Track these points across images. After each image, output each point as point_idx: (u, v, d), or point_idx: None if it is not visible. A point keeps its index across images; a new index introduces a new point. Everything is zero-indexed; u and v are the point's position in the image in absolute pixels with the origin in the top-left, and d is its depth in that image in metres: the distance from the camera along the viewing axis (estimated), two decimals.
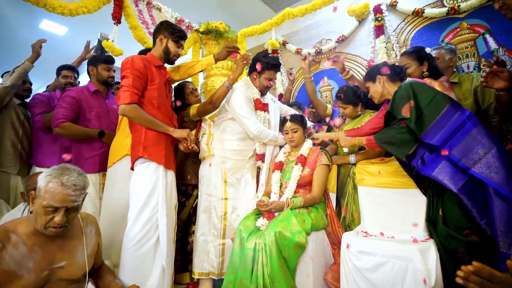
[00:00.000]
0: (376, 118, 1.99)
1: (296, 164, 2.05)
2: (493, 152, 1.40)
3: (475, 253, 1.42)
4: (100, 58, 2.39)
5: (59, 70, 2.70)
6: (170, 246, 1.80)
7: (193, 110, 2.30)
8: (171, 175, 1.93)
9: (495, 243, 1.33)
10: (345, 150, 2.04)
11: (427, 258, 1.43)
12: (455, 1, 2.67)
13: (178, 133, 1.87)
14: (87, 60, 2.46)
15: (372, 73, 1.88)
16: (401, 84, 1.70)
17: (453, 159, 1.46)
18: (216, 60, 2.22)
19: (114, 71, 2.43)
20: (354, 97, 2.20)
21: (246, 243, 1.67)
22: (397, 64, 1.98)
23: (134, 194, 1.78)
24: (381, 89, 1.84)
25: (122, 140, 2.11)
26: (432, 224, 1.61)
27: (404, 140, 1.59)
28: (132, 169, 1.87)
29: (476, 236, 1.43)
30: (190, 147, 1.89)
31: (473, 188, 1.42)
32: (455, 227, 1.46)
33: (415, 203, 1.73)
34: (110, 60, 2.38)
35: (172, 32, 1.97)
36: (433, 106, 1.53)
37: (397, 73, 1.84)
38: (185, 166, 2.42)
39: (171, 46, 1.98)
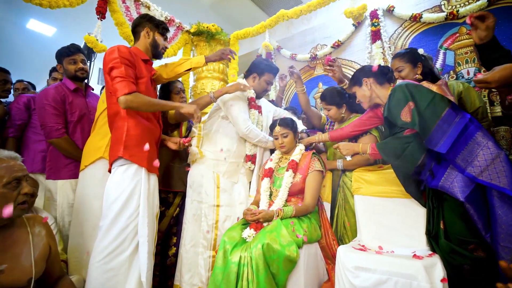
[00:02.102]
0: (359, 120, 1.90)
1: (287, 170, 1.90)
2: (502, 157, 1.28)
3: (482, 270, 1.30)
4: (62, 52, 2.17)
5: (51, 71, 2.57)
6: (150, 259, 1.62)
7: (171, 112, 2.16)
8: (154, 179, 1.76)
9: (497, 261, 1.22)
10: (348, 158, 1.87)
11: (432, 276, 1.28)
12: (454, 6, 2.60)
13: (186, 108, 1.76)
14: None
15: (358, 76, 1.77)
16: (395, 86, 1.57)
17: (457, 168, 1.33)
18: (207, 61, 2.11)
19: (83, 60, 2.20)
20: (339, 97, 2.11)
21: (230, 257, 1.49)
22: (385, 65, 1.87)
23: (109, 200, 1.60)
24: (368, 92, 1.72)
25: (98, 141, 1.94)
26: (434, 238, 1.46)
27: (409, 152, 1.45)
28: (110, 171, 1.70)
29: (482, 251, 1.30)
30: (184, 143, 1.86)
31: (479, 197, 1.31)
32: (458, 241, 1.34)
33: (416, 214, 1.59)
34: (72, 51, 2.16)
35: (157, 24, 1.88)
36: (432, 109, 1.40)
37: (384, 74, 1.72)
38: (170, 171, 2.23)
39: (159, 38, 1.89)
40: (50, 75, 2.57)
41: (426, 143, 1.38)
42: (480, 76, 1.19)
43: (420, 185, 1.53)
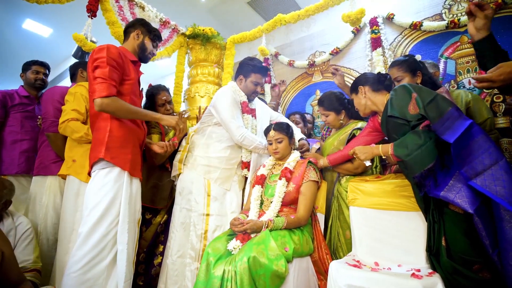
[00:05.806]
0: (358, 139, 1.79)
1: (280, 178, 1.79)
2: (501, 164, 1.16)
3: None
4: None
5: (29, 65, 2.42)
6: (129, 268, 1.53)
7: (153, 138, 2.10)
8: (137, 184, 1.68)
9: (506, 284, 1.10)
10: (368, 163, 1.65)
11: None
12: (455, 15, 2.55)
13: (166, 120, 1.74)
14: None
15: (355, 84, 1.73)
16: (394, 87, 1.50)
17: (455, 163, 1.22)
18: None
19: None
20: (337, 103, 2.02)
21: (213, 270, 1.38)
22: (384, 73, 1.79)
23: (89, 205, 1.51)
24: (364, 100, 1.67)
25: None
26: (435, 256, 1.34)
27: (421, 152, 1.29)
28: (89, 174, 1.61)
29: (488, 273, 1.19)
30: (175, 146, 1.82)
31: (486, 210, 1.19)
32: (462, 261, 1.22)
33: (415, 228, 1.49)
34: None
35: (149, 30, 1.87)
36: (435, 106, 1.30)
37: (380, 81, 1.66)
38: (157, 189, 2.12)
39: (148, 43, 1.85)
40: (27, 69, 2.39)
41: (434, 127, 1.26)
42: (483, 74, 1.09)
43: (420, 191, 1.41)
